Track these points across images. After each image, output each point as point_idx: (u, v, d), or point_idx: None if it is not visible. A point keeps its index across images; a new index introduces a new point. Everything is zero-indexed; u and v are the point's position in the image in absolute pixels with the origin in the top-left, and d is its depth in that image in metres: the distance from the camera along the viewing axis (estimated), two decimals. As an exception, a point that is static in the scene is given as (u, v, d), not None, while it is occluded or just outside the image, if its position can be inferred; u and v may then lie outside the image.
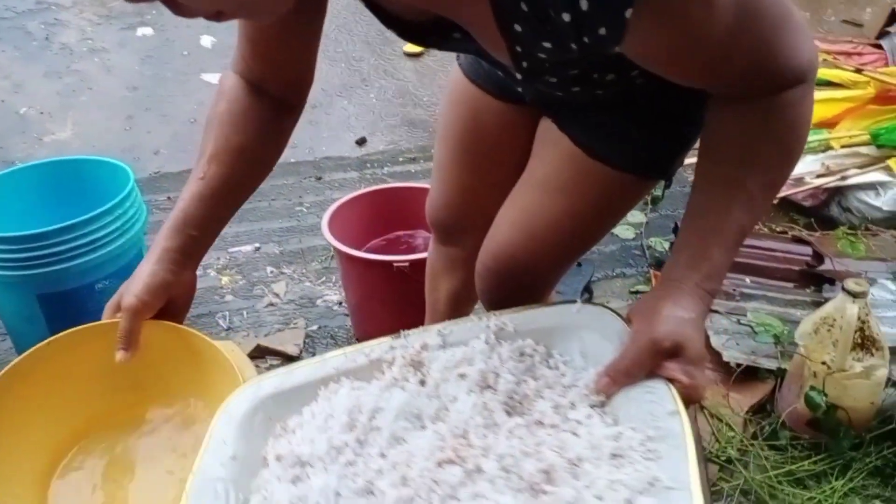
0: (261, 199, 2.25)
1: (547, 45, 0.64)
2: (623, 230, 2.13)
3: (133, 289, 0.87)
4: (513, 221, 1.03)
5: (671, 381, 0.68)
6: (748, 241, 1.92)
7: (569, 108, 0.93)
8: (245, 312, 1.81)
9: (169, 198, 2.21)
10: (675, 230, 2.04)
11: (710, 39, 0.64)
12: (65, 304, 1.37)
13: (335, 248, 1.59)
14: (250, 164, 0.91)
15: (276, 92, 0.89)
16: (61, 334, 0.97)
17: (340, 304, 1.86)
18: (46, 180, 1.57)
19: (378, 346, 0.79)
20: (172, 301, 0.91)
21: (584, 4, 0.57)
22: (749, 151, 0.74)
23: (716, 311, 1.70)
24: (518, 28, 0.64)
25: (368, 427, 0.70)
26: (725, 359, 1.56)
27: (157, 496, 0.86)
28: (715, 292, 0.76)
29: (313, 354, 1.69)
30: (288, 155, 2.46)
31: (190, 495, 0.66)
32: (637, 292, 1.88)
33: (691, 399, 0.69)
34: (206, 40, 3.00)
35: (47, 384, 0.94)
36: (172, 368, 0.93)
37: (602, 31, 0.60)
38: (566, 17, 0.59)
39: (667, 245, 2.03)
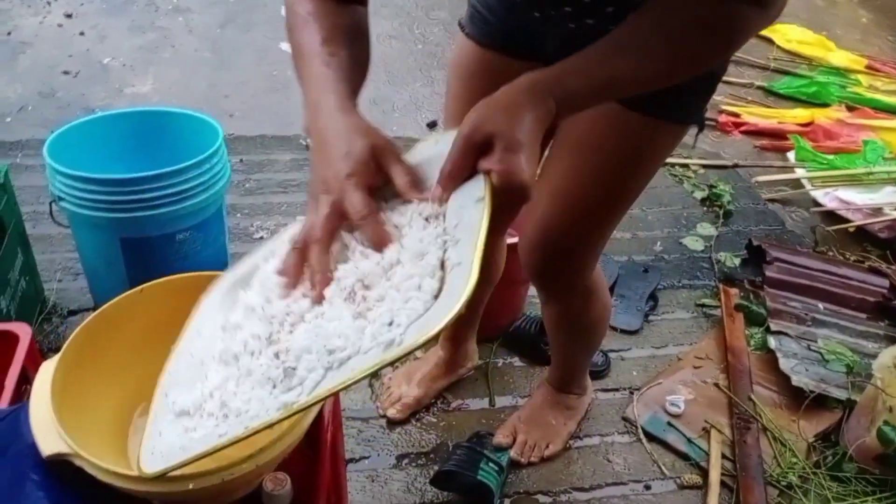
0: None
1: None
2: (692, 241, 2.08)
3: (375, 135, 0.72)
4: (551, 190, 1.04)
5: (488, 172, 0.66)
6: (824, 266, 1.87)
7: None
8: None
9: (241, 160, 2.24)
10: (748, 246, 2.00)
11: None
12: (145, 250, 1.40)
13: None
14: (358, 48, 0.83)
15: None
16: (155, 282, 0.97)
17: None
18: (135, 128, 1.60)
19: None
20: None
21: None
22: (674, 34, 0.70)
23: (785, 334, 1.66)
24: None
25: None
26: (794, 383, 1.52)
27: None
28: (559, 99, 0.69)
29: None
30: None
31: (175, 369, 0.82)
32: (703, 305, 1.85)
33: (511, 184, 0.65)
34: (289, 10, 3.03)
35: (137, 328, 0.96)
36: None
37: None
38: None
39: (737, 261, 1.99)
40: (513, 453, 1.38)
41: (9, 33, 2.85)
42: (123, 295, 0.96)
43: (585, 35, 0.83)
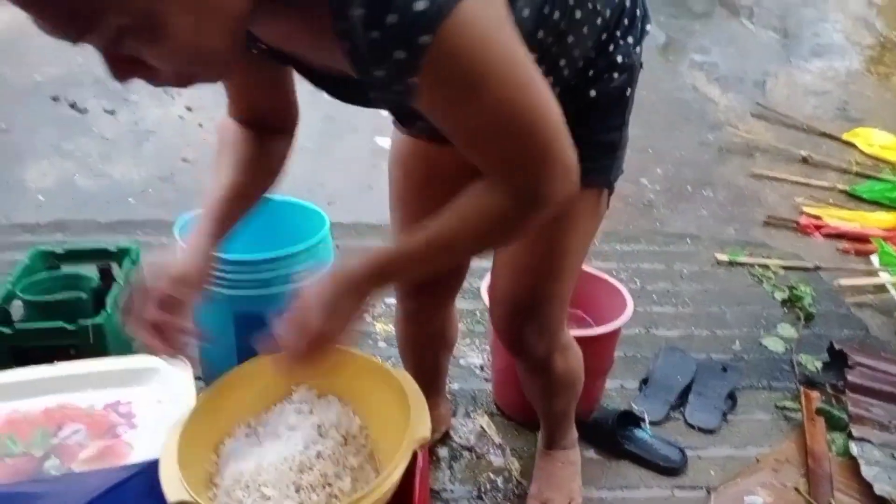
0: (417, 258, 2.40)
1: (387, 96, 0.74)
2: (772, 342, 2.09)
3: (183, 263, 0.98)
4: (512, 266, 1.18)
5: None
6: (910, 376, 1.85)
7: None
8: (393, 360, 1.92)
9: (338, 245, 2.40)
10: (829, 350, 1.99)
11: (476, 117, 0.75)
12: (255, 325, 1.52)
13: (493, 314, 1.69)
14: (259, 178, 1.07)
15: (264, 124, 1.05)
16: (269, 354, 1.11)
17: (482, 368, 1.94)
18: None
19: None
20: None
21: (380, 72, 0.70)
22: (477, 226, 0.85)
23: (868, 441, 1.65)
24: (365, 79, 0.73)
25: None
26: (877, 491, 1.51)
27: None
28: (376, 285, 0.89)
29: (455, 411, 1.77)
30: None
31: None
32: (784, 407, 1.84)
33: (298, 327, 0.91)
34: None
35: (250, 393, 1.08)
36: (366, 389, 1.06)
37: (398, 89, 0.71)
38: (380, 73, 0.70)
39: (819, 364, 1.98)
40: None
41: (136, 123, 3.18)
42: (242, 364, 1.09)
43: None
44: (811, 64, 4.13)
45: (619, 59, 0.99)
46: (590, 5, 0.91)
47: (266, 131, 1.05)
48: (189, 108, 3.27)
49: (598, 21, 0.94)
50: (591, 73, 0.99)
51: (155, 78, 0.68)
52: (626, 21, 0.99)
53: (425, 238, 0.86)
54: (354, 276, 0.87)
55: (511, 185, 0.82)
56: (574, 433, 1.56)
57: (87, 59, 3.48)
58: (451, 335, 1.59)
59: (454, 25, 0.66)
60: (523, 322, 1.22)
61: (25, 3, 0.59)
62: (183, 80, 0.71)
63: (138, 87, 3.48)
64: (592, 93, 1.00)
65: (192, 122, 3.17)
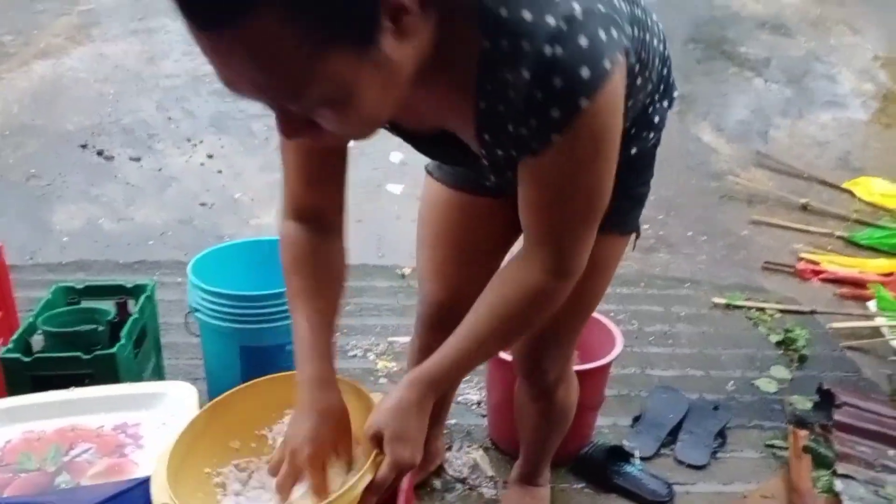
0: (421, 299, 2.49)
1: (500, 152, 0.86)
2: (765, 383, 2.14)
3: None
4: None
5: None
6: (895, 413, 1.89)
7: None
8: (394, 397, 2.00)
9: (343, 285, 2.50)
10: (819, 390, 2.03)
11: (582, 176, 0.83)
12: (259, 357, 1.63)
13: (486, 351, 1.76)
14: (335, 287, 1.11)
15: (322, 217, 1.09)
16: (265, 378, 1.19)
17: (479, 404, 2.00)
18: (261, 253, 1.88)
19: None
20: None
21: (523, 129, 0.78)
22: (512, 317, 0.95)
23: (852, 478, 1.68)
24: (486, 137, 0.84)
25: None
26: (859, 526, 1.54)
27: None
28: (434, 385, 0.96)
29: (450, 446, 1.83)
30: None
31: None
32: (773, 446, 1.88)
33: (399, 469, 0.92)
34: (395, 156, 3.40)
35: (246, 413, 1.16)
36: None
37: (535, 146, 0.80)
38: (521, 129, 0.79)
39: (809, 404, 2.02)
40: None
41: (160, 169, 3.33)
42: (239, 387, 1.17)
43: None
44: (814, 115, 4.22)
45: (656, 119, 1.08)
46: (646, 73, 0.99)
47: (323, 231, 1.09)
48: (210, 156, 3.42)
49: (649, 87, 1.02)
50: (633, 131, 1.06)
51: (320, 138, 0.72)
52: (662, 87, 1.07)
53: (472, 338, 0.96)
54: (415, 402, 0.95)
55: (546, 257, 0.90)
56: (548, 473, 1.62)
57: (115, 109, 3.68)
58: None
59: (607, 94, 0.75)
60: (545, 349, 1.31)
61: (236, 68, 0.61)
62: (342, 141, 0.77)
63: (162, 136, 3.64)
64: (633, 150, 1.08)
65: (212, 169, 3.32)
